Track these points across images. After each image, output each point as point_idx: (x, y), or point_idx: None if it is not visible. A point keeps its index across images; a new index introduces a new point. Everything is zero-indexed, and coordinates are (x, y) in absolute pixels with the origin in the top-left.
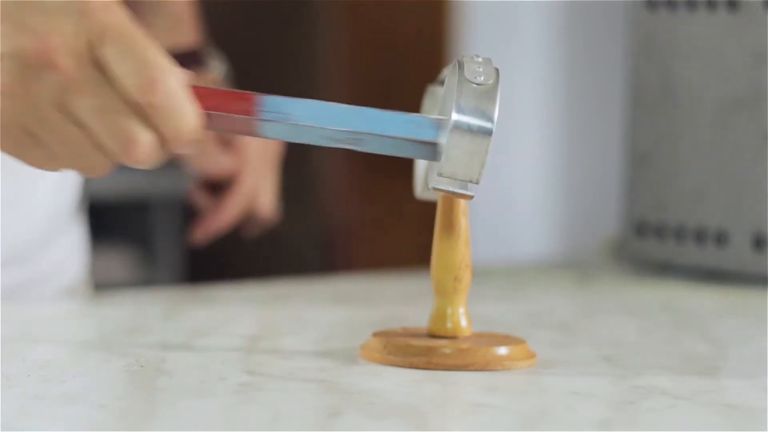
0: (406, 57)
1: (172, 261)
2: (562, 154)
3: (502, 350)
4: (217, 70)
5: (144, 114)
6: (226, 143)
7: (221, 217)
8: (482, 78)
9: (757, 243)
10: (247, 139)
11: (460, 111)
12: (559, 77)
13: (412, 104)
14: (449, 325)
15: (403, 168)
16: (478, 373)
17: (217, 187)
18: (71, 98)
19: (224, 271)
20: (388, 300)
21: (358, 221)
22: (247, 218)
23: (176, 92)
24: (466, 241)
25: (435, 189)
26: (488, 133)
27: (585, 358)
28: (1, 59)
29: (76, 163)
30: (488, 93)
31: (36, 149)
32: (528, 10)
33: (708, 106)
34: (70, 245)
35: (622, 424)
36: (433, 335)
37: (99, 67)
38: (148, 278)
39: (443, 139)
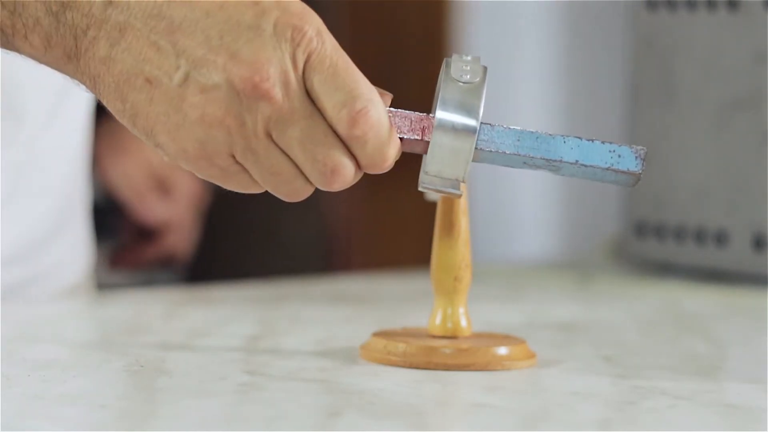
0: (406, 57)
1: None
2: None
3: (502, 350)
4: None
5: (348, 144)
6: (164, 191)
7: (139, 258)
8: (468, 76)
9: (757, 243)
10: (183, 187)
11: (443, 109)
12: (559, 77)
13: (413, 104)
14: (449, 325)
15: (404, 168)
16: (478, 373)
17: (147, 231)
18: (280, 129)
19: (224, 271)
20: (388, 300)
21: (358, 221)
22: (163, 261)
23: (380, 124)
24: (466, 241)
25: (423, 188)
26: (472, 131)
27: (585, 358)
28: (214, 90)
29: (277, 188)
30: (473, 91)
31: (238, 175)
32: (528, 10)
33: (708, 106)
34: (73, 244)
35: (622, 424)
36: (433, 335)
37: (309, 97)
38: (148, 278)
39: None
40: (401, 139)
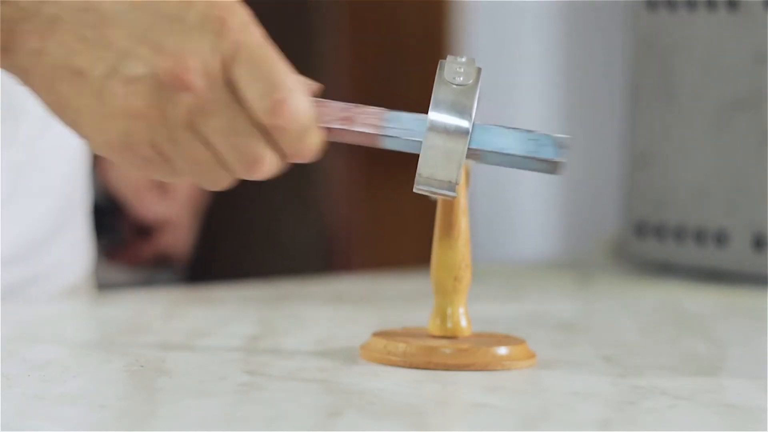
0: (406, 57)
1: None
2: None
3: (502, 350)
4: None
5: (269, 134)
6: (162, 190)
7: (138, 255)
8: (461, 78)
9: (757, 243)
10: (181, 186)
11: (435, 111)
12: (558, 77)
13: (413, 104)
14: (449, 325)
15: (404, 168)
16: (478, 373)
17: (146, 229)
18: (202, 119)
19: (224, 271)
20: (388, 300)
21: (358, 221)
22: (160, 259)
23: (301, 114)
24: (466, 241)
25: (417, 190)
26: (465, 132)
27: (585, 358)
28: (137, 82)
29: (199, 177)
30: (466, 93)
31: (161, 165)
32: (528, 9)
33: (708, 106)
34: (73, 244)
35: (622, 424)
36: (433, 335)
37: (230, 87)
38: (148, 278)
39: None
40: (330, 129)
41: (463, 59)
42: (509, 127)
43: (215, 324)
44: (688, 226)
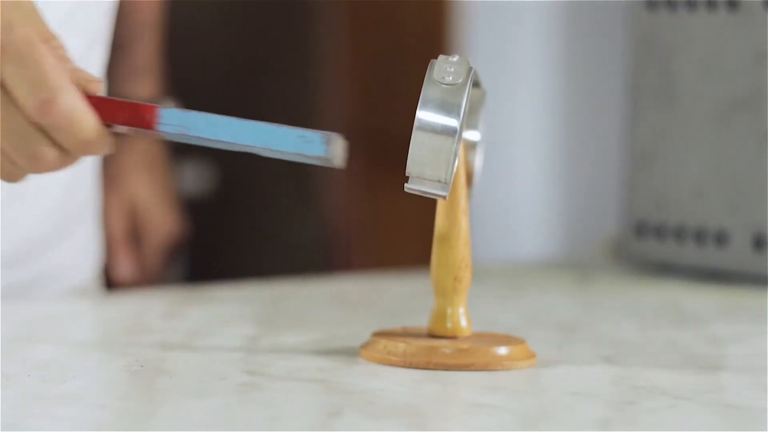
0: (406, 57)
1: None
2: (562, 154)
3: (502, 350)
4: None
5: (45, 131)
6: (137, 239)
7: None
8: (451, 78)
9: (757, 243)
10: (155, 234)
11: (423, 110)
12: (559, 77)
13: (412, 103)
14: (449, 325)
15: (403, 168)
16: (478, 373)
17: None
18: None
19: (224, 271)
20: (388, 300)
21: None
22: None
23: (71, 110)
24: (466, 241)
25: (408, 190)
26: (452, 132)
27: (585, 358)
28: None
29: None
30: (455, 92)
31: None
32: (528, 10)
33: (708, 106)
34: (81, 245)
35: (622, 424)
36: (433, 335)
37: (2, 88)
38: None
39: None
40: (109, 125)
41: (455, 59)
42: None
43: (215, 324)
44: (688, 226)
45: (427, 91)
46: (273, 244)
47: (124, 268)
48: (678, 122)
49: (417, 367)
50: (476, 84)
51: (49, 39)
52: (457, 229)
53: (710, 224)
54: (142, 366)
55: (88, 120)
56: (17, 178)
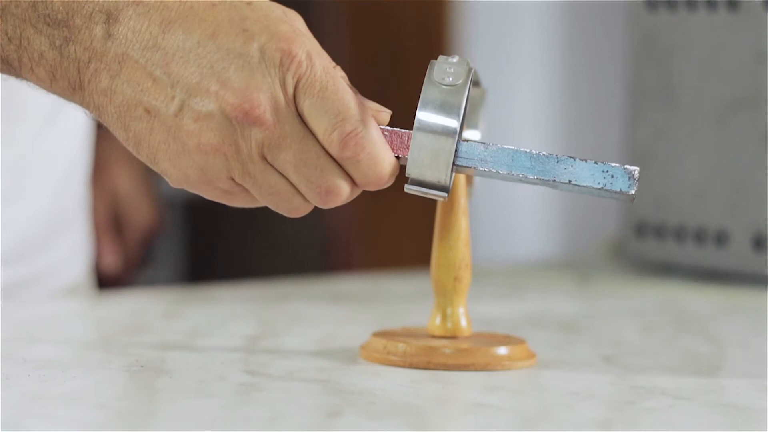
0: (406, 57)
1: (172, 261)
2: (562, 154)
3: (502, 350)
4: None
5: (342, 165)
6: (118, 229)
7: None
8: (450, 79)
9: (757, 243)
10: (135, 224)
11: (423, 111)
12: (559, 77)
13: (412, 103)
14: (449, 325)
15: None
16: (478, 373)
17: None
18: (274, 152)
19: (224, 271)
20: (388, 300)
21: (358, 221)
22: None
23: (371, 145)
24: (466, 241)
25: (408, 191)
26: (452, 132)
27: (585, 358)
28: (208, 118)
29: (277, 205)
30: (454, 93)
31: (241, 195)
32: (528, 9)
33: (708, 106)
34: (73, 243)
35: (622, 424)
36: (433, 335)
37: (300, 120)
38: (148, 278)
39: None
40: (398, 157)
41: (455, 59)
42: (584, 159)
43: (215, 324)
44: (688, 226)
45: (426, 92)
46: (273, 244)
47: (108, 256)
48: (678, 122)
49: (417, 367)
50: (476, 83)
51: (336, 67)
52: (457, 229)
53: (710, 224)
54: (142, 366)
55: (387, 154)
56: (301, 211)
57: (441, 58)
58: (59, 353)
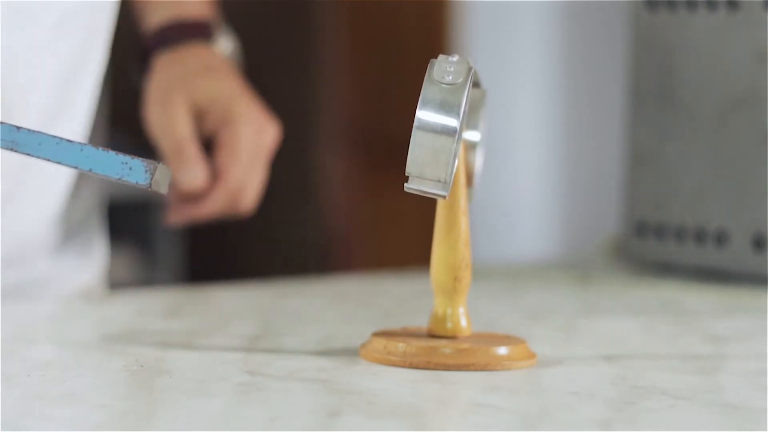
0: (406, 57)
1: (172, 261)
2: (562, 154)
3: (502, 350)
4: (224, 46)
5: None
6: (209, 144)
7: (200, 209)
8: (450, 77)
9: (757, 243)
10: (240, 133)
11: (423, 110)
12: (559, 77)
13: (413, 103)
14: (449, 325)
15: (404, 169)
16: (478, 373)
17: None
18: None
19: (224, 271)
20: (388, 300)
21: (358, 221)
22: (227, 212)
23: None
24: (466, 241)
25: (408, 190)
26: (452, 132)
27: (585, 358)
28: None
29: None
30: (454, 92)
31: None
32: (528, 10)
33: (708, 106)
34: (82, 251)
35: (622, 424)
36: (433, 335)
37: None
38: (148, 278)
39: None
40: None
41: (455, 58)
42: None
43: (215, 324)
44: (688, 226)
45: (426, 91)
46: (273, 244)
47: (194, 172)
48: (678, 122)
49: (417, 367)
50: (476, 84)
51: None
52: (457, 229)
53: (710, 224)
54: (142, 366)
55: None
56: None
57: (441, 57)
58: (59, 353)
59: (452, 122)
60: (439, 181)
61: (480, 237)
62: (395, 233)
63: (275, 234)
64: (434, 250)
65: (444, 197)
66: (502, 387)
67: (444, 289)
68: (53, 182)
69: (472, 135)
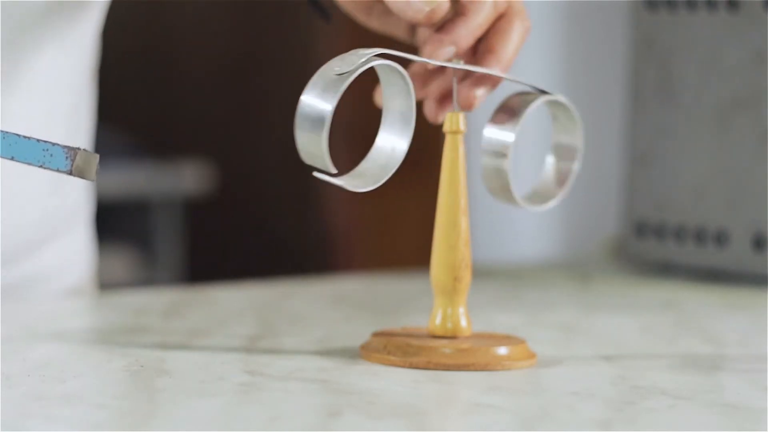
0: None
1: (172, 261)
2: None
3: (502, 350)
4: None
5: None
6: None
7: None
8: (339, 69)
9: (757, 243)
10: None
11: (305, 95)
12: (559, 77)
13: None
14: (449, 325)
15: (404, 168)
16: (478, 373)
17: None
18: None
19: (224, 271)
20: (388, 300)
21: (358, 221)
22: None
23: None
24: (466, 241)
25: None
26: (321, 119)
27: (585, 358)
28: None
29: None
30: (336, 82)
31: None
32: (528, 10)
33: (708, 106)
34: (70, 249)
35: (622, 424)
36: (433, 335)
37: None
38: (148, 278)
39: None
40: None
41: (368, 51)
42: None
43: (215, 324)
44: (688, 226)
45: (313, 79)
46: (273, 244)
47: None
48: (678, 122)
49: (417, 367)
50: (543, 91)
51: None
52: (457, 229)
53: (710, 224)
54: (142, 366)
55: None
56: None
57: (353, 51)
58: (59, 353)
59: (326, 108)
60: (323, 164)
61: (480, 237)
62: (395, 233)
63: (275, 234)
64: (434, 250)
65: (334, 175)
66: (502, 387)
67: (444, 289)
68: (50, 180)
69: (507, 136)
